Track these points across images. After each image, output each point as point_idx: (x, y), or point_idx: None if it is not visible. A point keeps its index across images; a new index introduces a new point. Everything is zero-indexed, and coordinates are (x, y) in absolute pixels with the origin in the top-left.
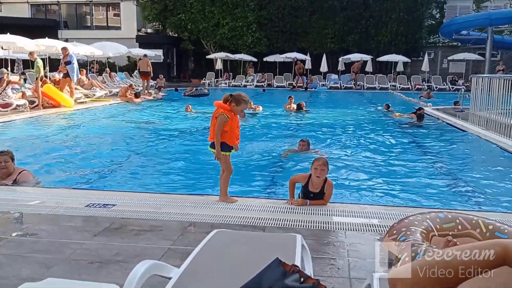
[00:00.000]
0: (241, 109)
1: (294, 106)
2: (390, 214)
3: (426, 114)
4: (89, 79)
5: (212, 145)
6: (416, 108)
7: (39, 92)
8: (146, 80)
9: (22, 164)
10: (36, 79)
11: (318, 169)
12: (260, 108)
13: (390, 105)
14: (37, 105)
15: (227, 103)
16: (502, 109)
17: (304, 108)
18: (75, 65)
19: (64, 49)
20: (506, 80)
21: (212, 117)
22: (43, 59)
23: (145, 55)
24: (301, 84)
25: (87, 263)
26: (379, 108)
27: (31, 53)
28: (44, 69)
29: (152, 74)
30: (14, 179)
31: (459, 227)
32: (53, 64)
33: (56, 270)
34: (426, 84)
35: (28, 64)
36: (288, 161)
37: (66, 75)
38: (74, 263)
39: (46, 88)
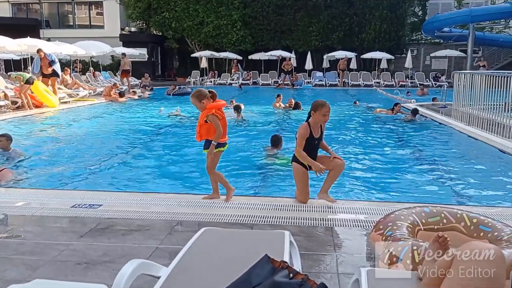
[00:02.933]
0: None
1: (282, 104)
2: (376, 209)
3: (405, 109)
4: (72, 79)
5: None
6: (394, 104)
7: (26, 95)
8: (126, 78)
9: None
10: (24, 83)
11: (327, 115)
12: (242, 106)
13: (358, 101)
14: (20, 106)
15: None
16: (484, 104)
17: (301, 108)
18: (58, 64)
19: (40, 50)
20: (488, 76)
21: None
22: (25, 59)
23: (124, 54)
24: (288, 82)
25: (73, 264)
26: (359, 103)
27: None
28: (26, 69)
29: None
30: None
31: (444, 221)
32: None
33: (42, 272)
34: (409, 80)
35: (10, 64)
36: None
37: (50, 75)
38: (61, 265)
39: (33, 86)
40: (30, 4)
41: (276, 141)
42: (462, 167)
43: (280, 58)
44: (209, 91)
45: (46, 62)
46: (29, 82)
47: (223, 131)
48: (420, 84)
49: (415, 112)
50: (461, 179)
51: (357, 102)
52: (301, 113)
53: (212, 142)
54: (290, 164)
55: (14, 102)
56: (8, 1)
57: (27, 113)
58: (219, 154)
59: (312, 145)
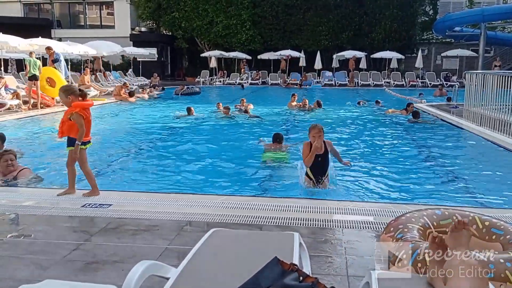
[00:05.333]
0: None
1: (297, 103)
2: (386, 211)
3: (422, 111)
4: (88, 82)
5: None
6: (407, 104)
7: (37, 92)
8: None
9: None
10: (29, 79)
11: (316, 136)
12: (251, 106)
13: (380, 101)
14: (33, 105)
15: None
16: (496, 105)
17: (321, 106)
18: (63, 62)
19: (49, 48)
20: (500, 76)
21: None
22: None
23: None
24: (295, 81)
25: (83, 264)
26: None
27: (30, 53)
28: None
29: None
30: (14, 176)
31: None
32: (46, 63)
33: (52, 271)
34: (420, 80)
35: (21, 63)
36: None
37: None
38: (70, 264)
39: (47, 70)
40: (42, 4)
41: (277, 138)
42: (474, 168)
43: (290, 57)
44: (79, 89)
45: (50, 60)
46: (32, 78)
47: (86, 130)
48: (439, 85)
49: (415, 114)
50: (473, 181)
51: (361, 102)
52: (321, 112)
53: (77, 142)
54: (289, 160)
55: (25, 102)
56: (19, 1)
57: (38, 113)
58: (82, 152)
59: (315, 161)
